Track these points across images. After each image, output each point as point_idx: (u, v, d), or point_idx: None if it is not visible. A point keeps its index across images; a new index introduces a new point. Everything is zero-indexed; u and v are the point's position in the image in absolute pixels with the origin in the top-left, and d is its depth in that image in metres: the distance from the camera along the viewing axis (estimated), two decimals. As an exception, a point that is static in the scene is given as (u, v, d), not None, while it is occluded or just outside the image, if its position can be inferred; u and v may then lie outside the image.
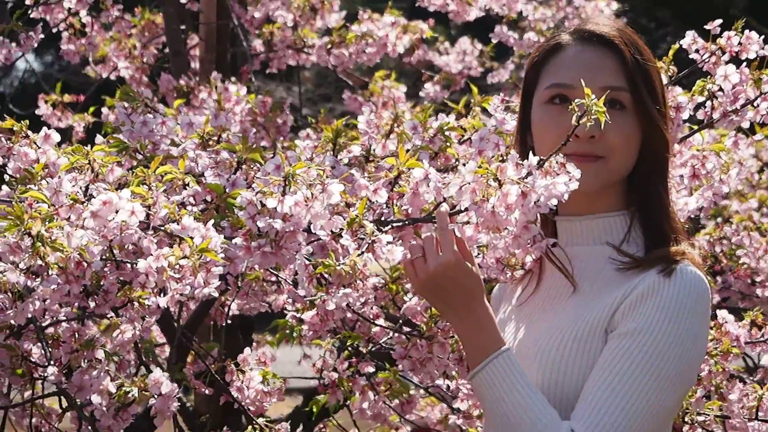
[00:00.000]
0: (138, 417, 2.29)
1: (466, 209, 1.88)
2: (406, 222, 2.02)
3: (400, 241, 2.01)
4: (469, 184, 1.84)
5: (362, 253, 1.86)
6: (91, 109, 3.60)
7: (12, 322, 1.72)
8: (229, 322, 3.36)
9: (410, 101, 4.40)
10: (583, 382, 1.97)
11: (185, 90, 3.54)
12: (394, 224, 1.99)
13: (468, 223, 1.97)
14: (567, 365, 1.99)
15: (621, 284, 2.01)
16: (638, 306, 1.95)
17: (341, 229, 1.87)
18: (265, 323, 3.99)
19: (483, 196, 1.84)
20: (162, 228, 1.80)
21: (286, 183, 1.75)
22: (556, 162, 1.86)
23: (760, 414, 2.77)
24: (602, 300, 2.01)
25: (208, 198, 1.99)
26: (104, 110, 3.27)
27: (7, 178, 2.18)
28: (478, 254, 2.11)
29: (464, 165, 1.87)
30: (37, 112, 3.71)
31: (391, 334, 2.75)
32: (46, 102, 3.71)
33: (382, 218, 2.00)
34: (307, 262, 1.83)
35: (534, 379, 2.00)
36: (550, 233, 2.14)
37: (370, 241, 1.86)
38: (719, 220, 3.77)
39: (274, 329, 3.40)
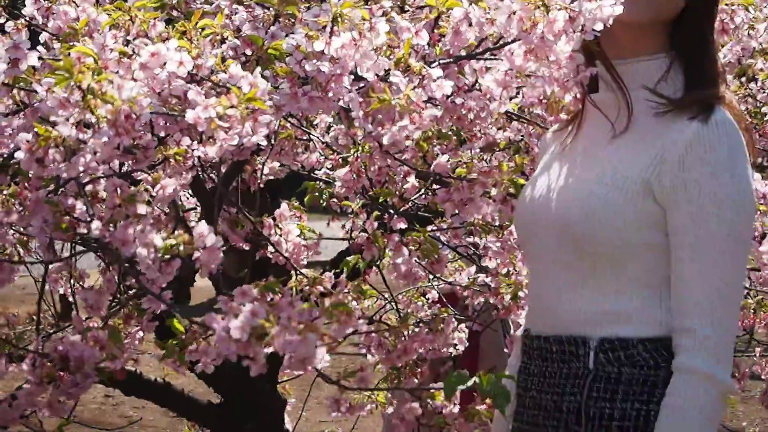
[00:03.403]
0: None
1: (516, 40, 1.90)
2: (451, 60, 2.03)
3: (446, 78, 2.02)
4: (516, 12, 1.86)
5: (414, 88, 1.87)
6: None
7: (64, 175, 1.74)
8: (261, 185, 3.39)
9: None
10: (624, 225, 2.01)
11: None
12: (440, 62, 2.01)
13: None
14: (608, 210, 2.03)
15: (659, 132, 2.03)
16: (687, 178, 2.00)
17: (386, 71, 1.89)
18: (291, 190, 4.01)
19: (531, 23, 1.85)
20: (208, 79, 1.82)
21: (334, 23, 1.77)
22: None
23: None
24: (643, 147, 2.04)
25: (248, 52, 2.00)
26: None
27: (42, 39, 2.19)
28: (517, 94, 2.12)
29: None
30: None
31: (421, 191, 2.78)
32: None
33: (425, 59, 2.01)
34: (360, 99, 1.85)
35: (576, 220, 2.04)
36: (592, 80, 2.15)
37: (419, 77, 1.88)
38: (744, 79, 3.76)
39: (302, 193, 3.42)
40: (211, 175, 2.99)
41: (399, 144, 1.87)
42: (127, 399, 7.23)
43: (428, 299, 3.33)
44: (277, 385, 3.54)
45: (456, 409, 2.80)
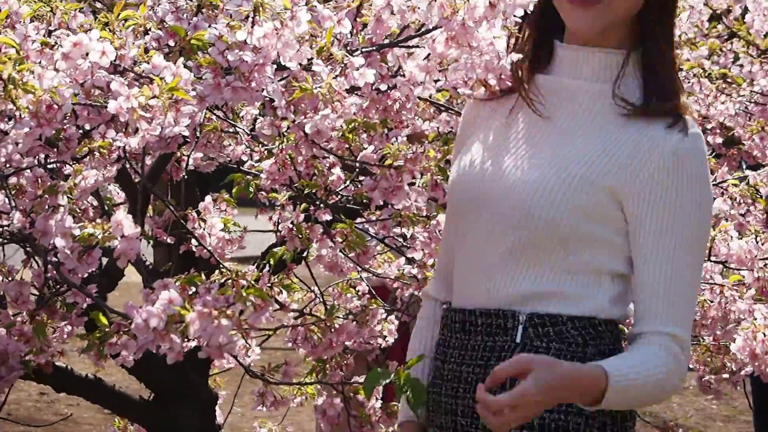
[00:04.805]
0: (100, 271, 2.31)
1: (438, 27, 1.90)
2: (373, 48, 2.04)
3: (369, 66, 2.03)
4: None
5: (336, 77, 1.88)
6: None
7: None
8: (185, 177, 3.37)
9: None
10: (577, 222, 2.03)
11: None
12: (363, 50, 2.01)
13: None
14: (569, 199, 2.02)
15: (629, 136, 2.05)
16: (668, 185, 2.03)
17: (310, 60, 1.89)
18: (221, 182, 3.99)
19: (452, 10, 1.86)
20: (131, 70, 1.82)
21: (255, 13, 1.77)
22: None
23: (712, 257, 2.85)
24: (603, 142, 2.06)
25: (171, 42, 1.99)
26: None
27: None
28: (439, 79, 2.12)
29: None
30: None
31: (347, 183, 2.78)
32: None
33: (348, 48, 2.02)
34: (282, 89, 1.86)
35: (535, 202, 2.04)
36: (546, 58, 2.15)
37: (342, 66, 1.88)
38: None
39: (230, 185, 3.40)
40: (137, 168, 2.98)
41: (323, 133, 1.88)
42: (62, 396, 7.18)
43: (358, 291, 3.33)
44: (209, 379, 3.52)
45: (378, 404, 2.82)
